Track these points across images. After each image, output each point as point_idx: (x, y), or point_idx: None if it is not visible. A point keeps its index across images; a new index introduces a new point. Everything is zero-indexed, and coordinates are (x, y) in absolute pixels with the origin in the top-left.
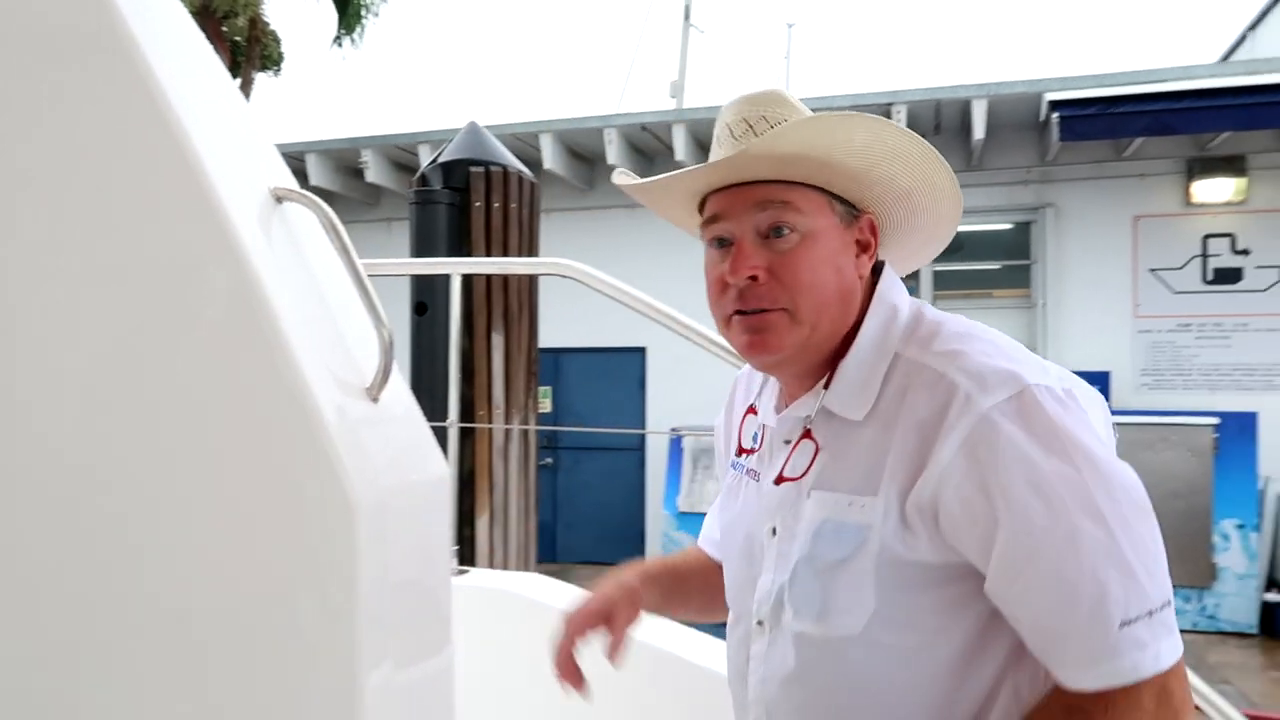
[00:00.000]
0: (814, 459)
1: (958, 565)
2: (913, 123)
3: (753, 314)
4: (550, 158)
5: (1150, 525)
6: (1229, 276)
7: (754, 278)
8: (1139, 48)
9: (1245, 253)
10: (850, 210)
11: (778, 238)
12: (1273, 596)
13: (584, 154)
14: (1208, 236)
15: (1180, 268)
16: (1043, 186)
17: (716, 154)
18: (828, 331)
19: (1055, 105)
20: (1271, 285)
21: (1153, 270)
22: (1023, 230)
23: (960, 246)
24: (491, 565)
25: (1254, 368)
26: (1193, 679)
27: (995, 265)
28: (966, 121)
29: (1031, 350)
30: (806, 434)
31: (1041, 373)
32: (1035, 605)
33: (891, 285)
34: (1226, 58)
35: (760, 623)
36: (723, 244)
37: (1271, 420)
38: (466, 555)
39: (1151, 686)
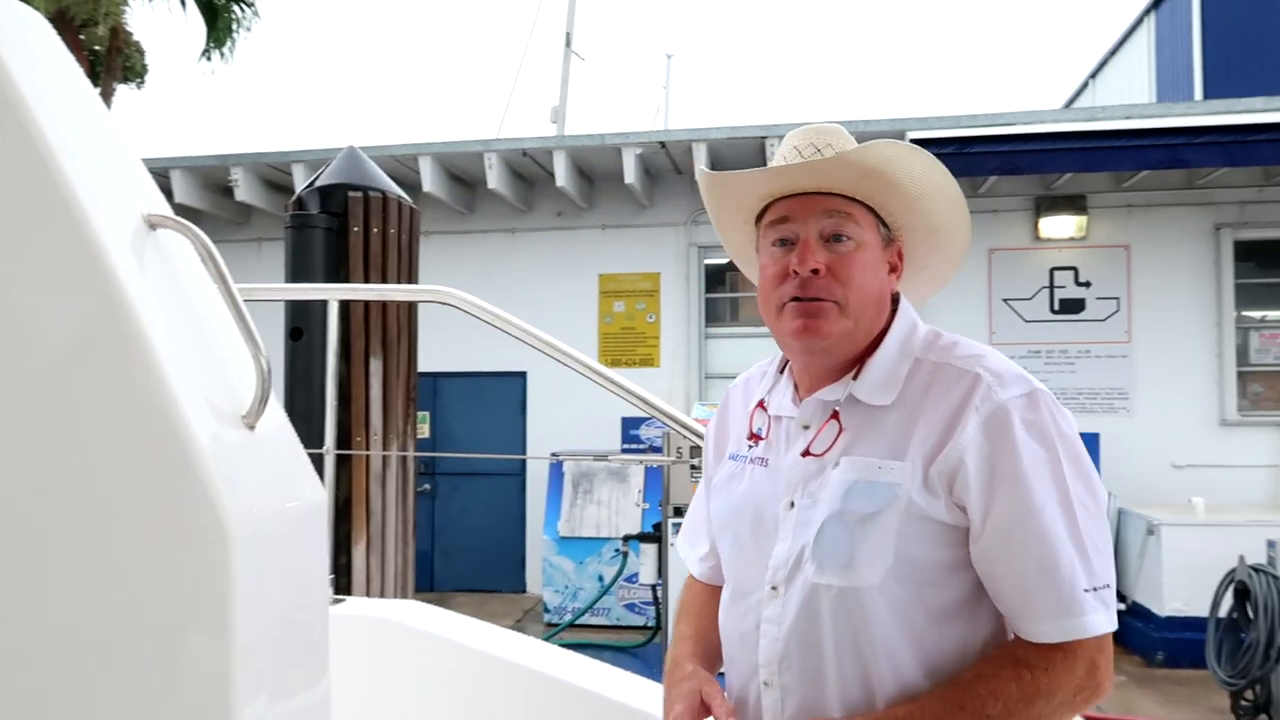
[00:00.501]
0: (837, 438)
1: (964, 531)
2: None
3: (809, 301)
4: (429, 180)
5: (1104, 518)
6: (1073, 307)
7: (815, 270)
8: (992, 92)
9: (1087, 285)
10: (889, 234)
11: (837, 243)
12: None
13: (464, 177)
14: (1054, 269)
15: (1030, 298)
16: None
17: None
18: (865, 329)
19: (916, 144)
20: (1110, 315)
21: (1005, 300)
22: None
23: None
24: (368, 593)
25: (1096, 392)
26: None
27: None
28: None
29: None
30: (834, 416)
31: (1040, 383)
32: (1019, 566)
33: (908, 305)
34: (1070, 104)
35: (774, 588)
36: (784, 244)
37: (1111, 441)
38: (343, 584)
39: (1085, 657)
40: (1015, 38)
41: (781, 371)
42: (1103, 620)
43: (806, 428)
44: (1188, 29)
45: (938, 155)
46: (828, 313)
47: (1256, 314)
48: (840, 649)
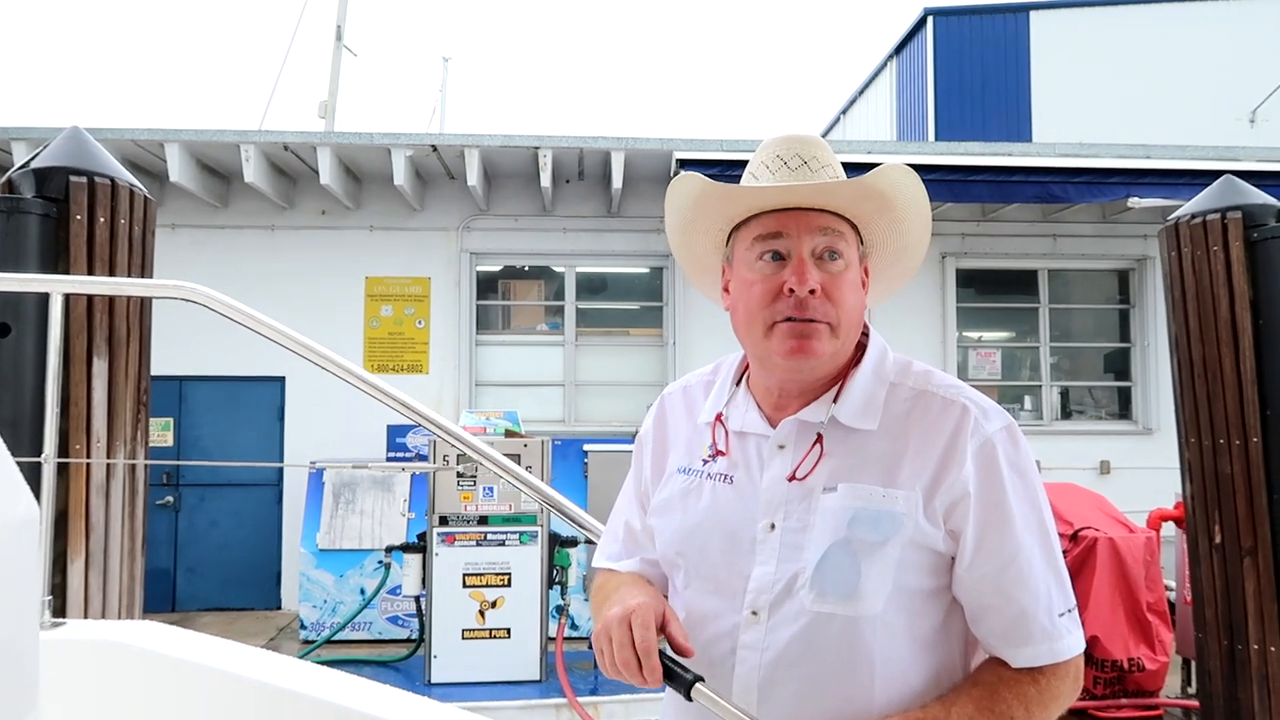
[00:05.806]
0: (819, 461)
1: (950, 559)
2: (558, 168)
3: (803, 322)
4: (178, 170)
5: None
6: None
7: (812, 291)
8: (753, 118)
9: None
10: (863, 251)
11: (829, 261)
12: None
13: (217, 169)
14: None
15: None
16: None
17: (767, 180)
18: (847, 349)
19: (682, 163)
20: None
21: None
22: (657, 275)
23: (604, 286)
24: (87, 615)
25: None
26: None
27: (634, 306)
28: (606, 171)
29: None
30: (818, 439)
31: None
32: (1009, 595)
33: (874, 328)
34: (824, 135)
35: (755, 613)
36: (775, 258)
37: None
38: (57, 605)
39: (1070, 669)
40: (778, 67)
41: (738, 384)
42: (1078, 640)
43: (782, 448)
44: (923, 75)
45: (705, 174)
46: (820, 334)
47: (974, 334)
48: (837, 679)
